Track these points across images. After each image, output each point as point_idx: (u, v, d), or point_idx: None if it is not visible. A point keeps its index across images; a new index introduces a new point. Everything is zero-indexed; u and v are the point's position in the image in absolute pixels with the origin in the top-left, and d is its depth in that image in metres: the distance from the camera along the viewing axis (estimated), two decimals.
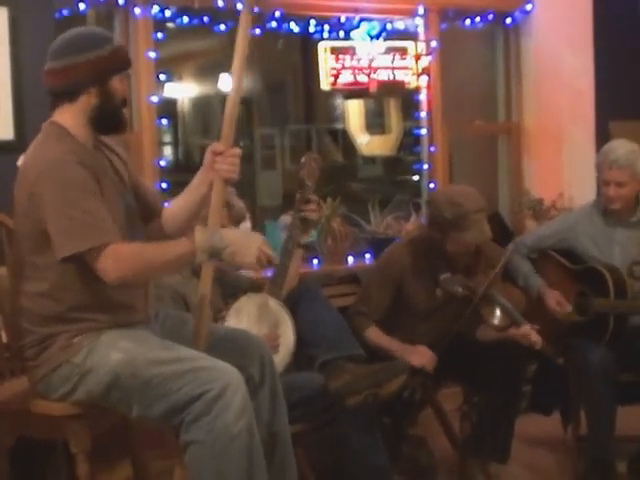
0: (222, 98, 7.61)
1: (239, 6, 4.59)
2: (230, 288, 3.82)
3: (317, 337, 3.77)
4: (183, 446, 2.80)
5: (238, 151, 3.04)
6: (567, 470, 4.37)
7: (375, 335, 4.12)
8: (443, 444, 4.44)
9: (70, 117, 2.95)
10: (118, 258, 2.81)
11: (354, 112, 6.22)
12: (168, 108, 8.85)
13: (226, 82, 7.36)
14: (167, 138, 9.43)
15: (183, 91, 8.96)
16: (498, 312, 4.02)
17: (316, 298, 3.96)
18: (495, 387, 3.98)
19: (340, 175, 7.59)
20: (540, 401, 4.57)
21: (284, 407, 3.16)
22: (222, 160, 3.01)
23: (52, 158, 2.85)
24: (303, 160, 3.95)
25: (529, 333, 3.91)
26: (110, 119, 3.02)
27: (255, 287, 3.88)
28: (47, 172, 2.83)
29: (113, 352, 2.86)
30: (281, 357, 3.67)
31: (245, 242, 2.90)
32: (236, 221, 3.85)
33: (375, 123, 6.28)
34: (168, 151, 9.52)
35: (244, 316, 3.70)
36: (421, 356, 4.00)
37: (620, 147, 4.31)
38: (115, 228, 2.87)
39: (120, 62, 3.00)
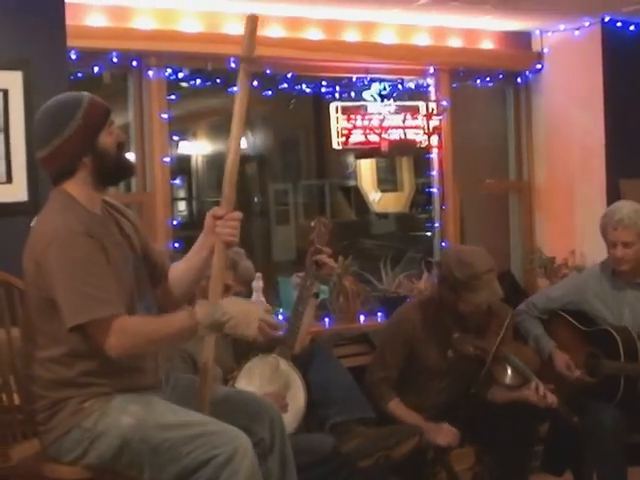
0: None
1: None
2: (242, 348, 3.83)
3: (328, 398, 3.79)
4: None
5: (239, 215, 3.06)
6: None
7: (398, 409, 4.13)
8: None
9: (75, 187, 2.97)
10: (120, 333, 2.82)
11: (366, 169, 6.25)
12: (182, 165, 8.93)
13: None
14: (182, 194, 9.49)
15: (197, 148, 9.03)
16: (510, 371, 4.03)
17: (328, 359, 3.99)
18: (507, 448, 3.98)
19: (352, 232, 7.60)
20: (552, 461, 4.54)
21: (294, 471, 3.15)
22: (223, 224, 3.03)
23: (59, 229, 2.86)
24: (313, 224, 3.98)
25: (544, 392, 3.90)
26: (114, 172, 3.03)
27: (268, 347, 3.88)
28: (53, 243, 2.85)
29: (123, 417, 2.87)
30: (291, 418, 3.68)
31: (246, 314, 2.89)
32: (243, 281, 3.87)
33: (387, 180, 6.31)
34: (182, 206, 9.56)
35: (255, 377, 3.72)
36: (445, 435, 4.01)
37: (624, 207, 4.34)
38: (120, 299, 2.88)
39: (97, 119, 2.97)
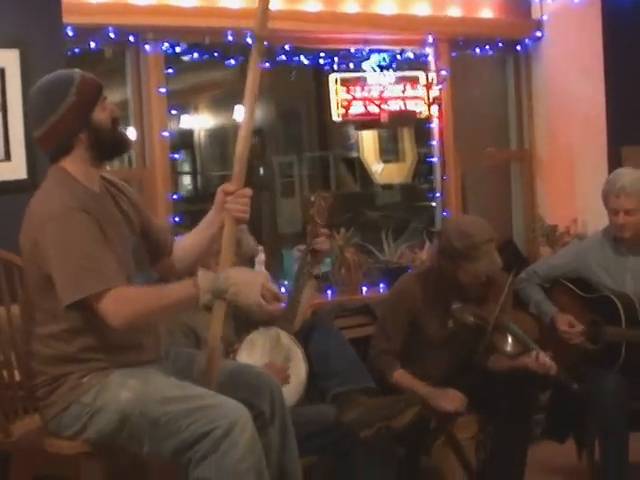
0: (237, 129, 7.68)
1: (249, 40, 4.68)
2: (243, 322, 3.85)
3: (329, 370, 3.81)
4: None
5: (249, 191, 3.07)
6: None
7: (404, 379, 4.13)
8: (458, 474, 4.44)
9: (72, 164, 2.99)
10: (121, 302, 2.84)
11: (368, 141, 6.26)
12: (185, 139, 8.93)
13: (240, 113, 7.42)
14: (186, 168, 9.50)
15: (200, 122, 9.03)
16: (510, 340, 4.04)
17: (328, 330, 4.01)
18: (507, 416, 4.00)
19: (356, 203, 7.61)
20: (554, 429, 4.57)
21: (294, 443, 3.19)
22: (233, 200, 3.04)
23: (55, 205, 2.88)
24: (313, 199, 3.99)
25: (543, 360, 3.92)
26: (110, 147, 3.04)
27: (268, 320, 3.90)
28: (50, 220, 2.86)
29: (122, 391, 2.89)
30: (293, 390, 3.70)
31: (248, 282, 2.88)
32: (245, 258, 3.87)
33: (389, 151, 6.32)
34: (187, 180, 9.58)
35: (257, 350, 3.74)
36: (452, 400, 4.02)
37: (626, 175, 4.34)
38: (119, 272, 2.90)
39: (91, 95, 2.99)
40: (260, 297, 2.85)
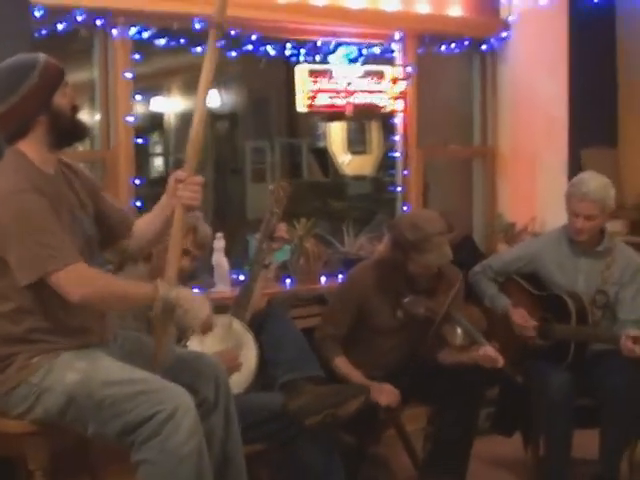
0: (208, 113, 7.70)
1: None
2: None
3: (279, 358, 3.86)
4: (135, 465, 2.88)
5: (200, 179, 3.13)
6: None
7: (343, 366, 4.20)
8: (406, 464, 4.52)
9: (29, 147, 3.02)
10: (83, 279, 2.92)
11: (336, 132, 6.28)
12: (156, 122, 8.95)
13: (211, 97, 7.45)
14: (157, 150, 9.52)
15: (171, 106, 9.05)
16: (459, 331, 4.11)
17: (281, 319, 4.05)
18: (453, 408, 4.07)
19: (323, 193, 7.66)
20: (502, 423, 4.65)
21: (238, 430, 3.24)
22: (184, 187, 3.09)
23: (9, 188, 2.92)
24: (271, 188, 4.04)
25: (490, 352, 3.99)
26: (68, 133, 3.09)
27: (220, 308, 3.95)
28: (4, 202, 2.90)
29: (69, 373, 2.94)
30: (243, 378, 3.75)
31: (197, 306, 2.99)
32: (201, 245, 3.91)
33: (357, 143, 6.35)
34: (159, 162, 9.60)
35: (208, 336, 3.77)
36: (386, 395, 4.08)
37: (592, 180, 4.35)
38: (75, 249, 2.95)
39: (53, 79, 3.03)
40: (202, 325, 3.02)
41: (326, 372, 3.99)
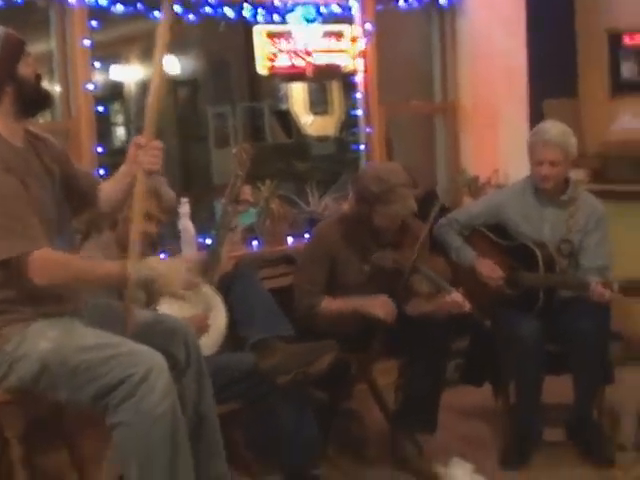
0: (168, 80, 7.67)
1: None
2: None
3: (248, 318, 3.89)
4: (110, 428, 2.92)
5: (159, 144, 3.16)
6: (497, 438, 4.52)
7: (331, 304, 4.21)
8: (378, 418, 4.58)
9: None
10: (49, 265, 2.95)
11: (297, 93, 6.29)
12: (116, 91, 8.88)
13: (171, 64, 7.43)
14: (118, 119, 9.46)
15: (130, 74, 8.99)
16: (425, 281, 4.16)
17: (249, 280, 4.08)
18: (421, 360, 4.13)
19: (287, 155, 7.66)
20: (472, 373, 4.71)
21: (210, 389, 3.29)
22: (144, 153, 3.13)
23: None
24: (234, 151, 4.06)
25: (457, 298, 4.04)
26: (34, 101, 3.11)
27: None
28: None
29: (42, 341, 2.97)
30: (213, 339, 3.79)
31: (172, 273, 3.02)
32: (167, 209, 3.93)
33: (318, 103, 6.36)
34: (120, 132, 9.55)
35: (177, 300, 3.80)
36: (382, 306, 4.11)
37: (553, 127, 4.41)
38: (42, 233, 2.97)
39: (15, 49, 3.05)
40: (184, 292, 3.06)
41: (308, 330, 4.02)
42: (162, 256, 3.68)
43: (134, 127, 9.42)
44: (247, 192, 4.07)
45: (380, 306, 4.11)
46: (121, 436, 2.89)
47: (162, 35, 3.14)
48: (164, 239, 4.56)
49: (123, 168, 3.25)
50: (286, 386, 3.70)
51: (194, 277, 3.12)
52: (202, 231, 4.93)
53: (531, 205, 4.51)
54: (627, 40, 5.92)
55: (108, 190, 3.34)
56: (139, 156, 3.12)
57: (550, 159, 4.35)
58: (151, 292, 3.17)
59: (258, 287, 4.05)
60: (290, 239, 5.18)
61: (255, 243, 5.06)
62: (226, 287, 3.97)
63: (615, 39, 5.96)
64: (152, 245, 3.91)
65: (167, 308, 3.72)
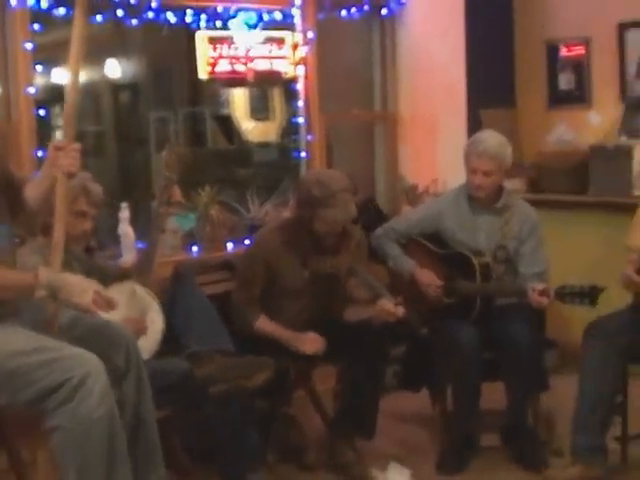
0: (109, 84, 7.66)
1: None
2: (98, 277, 3.90)
3: (189, 327, 3.92)
4: (49, 432, 2.92)
5: (78, 146, 3.19)
6: (434, 443, 4.57)
7: (265, 325, 4.28)
8: (317, 424, 4.61)
9: None
10: None
11: (239, 99, 6.30)
12: (57, 94, 8.81)
13: (112, 68, 7.40)
14: (59, 122, 9.37)
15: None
16: (364, 287, 4.21)
17: (192, 288, 4.10)
18: (359, 366, 4.17)
19: (228, 161, 7.66)
20: (409, 379, 4.77)
21: (149, 394, 3.30)
22: (64, 155, 3.15)
23: None
24: (163, 154, 4.07)
25: (387, 306, 4.09)
26: None
27: (123, 276, 3.98)
28: None
29: None
30: (150, 342, 3.78)
31: (81, 285, 3.05)
32: (95, 204, 3.93)
33: (259, 109, 6.37)
34: (60, 135, 9.45)
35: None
36: (311, 343, 4.20)
37: (490, 138, 4.48)
38: None
39: None
40: (91, 303, 3.03)
41: (247, 337, 4.06)
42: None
43: (75, 131, 9.36)
44: (178, 194, 4.07)
45: (309, 343, 4.20)
46: (59, 440, 2.89)
47: (77, 36, 3.17)
48: (99, 232, 4.56)
49: (43, 171, 3.27)
50: (219, 396, 3.71)
51: (107, 296, 3.12)
52: (142, 236, 4.92)
53: (465, 213, 4.57)
54: (564, 51, 6.03)
55: (29, 194, 3.34)
56: (58, 159, 3.15)
57: (484, 169, 4.42)
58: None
59: (202, 296, 4.07)
60: (230, 245, 5.19)
61: (195, 249, 5.07)
62: (168, 292, 3.98)
63: (553, 50, 6.07)
64: (90, 240, 3.96)
65: (103, 312, 3.69)
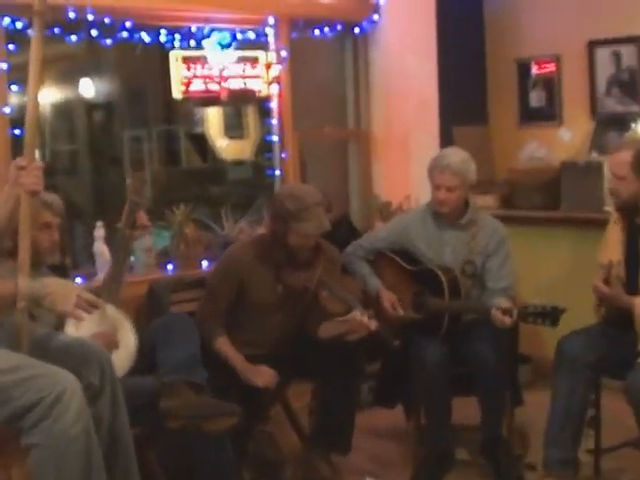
0: (84, 103, 7.65)
1: (90, 17, 4.73)
2: None
3: (166, 354, 3.89)
4: (25, 450, 2.92)
5: (40, 164, 3.21)
6: (408, 459, 4.59)
7: (224, 347, 4.28)
8: (293, 440, 4.63)
9: None
10: None
11: (213, 117, 6.33)
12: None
13: (87, 87, 7.40)
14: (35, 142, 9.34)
15: (46, 96, 8.92)
16: (337, 300, 4.24)
17: (166, 308, 4.10)
18: (334, 383, 4.20)
19: (202, 179, 7.68)
20: (384, 395, 4.79)
21: (125, 411, 3.30)
22: (26, 174, 3.14)
23: None
24: (128, 181, 4.11)
25: (358, 319, 4.10)
26: None
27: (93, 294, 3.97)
28: None
29: None
30: (122, 359, 3.77)
31: (63, 290, 3.08)
32: (58, 213, 3.96)
33: (233, 127, 6.40)
34: (36, 154, 9.42)
35: (83, 323, 3.74)
36: (262, 377, 4.21)
37: (453, 154, 4.56)
38: None
39: None
40: (74, 308, 3.07)
41: (208, 352, 4.06)
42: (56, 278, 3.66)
43: (49, 150, 9.36)
44: (144, 218, 4.09)
45: (261, 376, 4.21)
46: (36, 458, 2.90)
47: (35, 58, 3.19)
48: (74, 251, 4.57)
49: (6, 191, 3.25)
50: (175, 431, 3.69)
51: (88, 295, 3.14)
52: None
53: (431, 229, 4.64)
54: (535, 69, 6.10)
55: None
56: (21, 177, 3.14)
57: (447, 185, 4.48)
58: (43, 308, 3.17)
59: (185, 323, 4.06)
60: (205, 263, 5.21)
61: (170, 267, 5.08)
62: (142, 311, 3.99)
63: (524, 68, 6.14)
64: (61, 251, 4.00)
65: (74, 331, 3.71)
